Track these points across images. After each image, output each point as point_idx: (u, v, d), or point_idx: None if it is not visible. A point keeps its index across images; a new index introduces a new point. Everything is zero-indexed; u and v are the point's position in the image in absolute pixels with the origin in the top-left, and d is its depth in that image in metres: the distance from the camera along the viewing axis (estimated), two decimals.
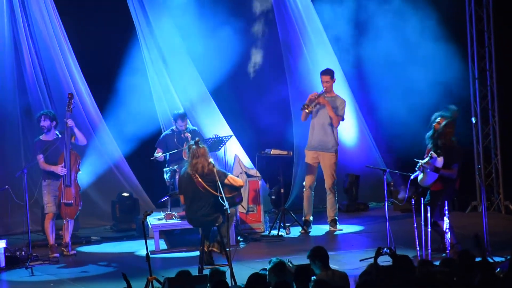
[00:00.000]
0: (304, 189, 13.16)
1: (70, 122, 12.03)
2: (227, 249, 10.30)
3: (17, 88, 13.98)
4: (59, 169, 12.03)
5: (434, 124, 10.94)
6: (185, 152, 12.68)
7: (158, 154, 12.91)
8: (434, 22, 14.63)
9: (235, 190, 10.54)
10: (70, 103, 12.11)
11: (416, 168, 10.91)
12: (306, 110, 12.81)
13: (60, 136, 12.11)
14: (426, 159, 10.84)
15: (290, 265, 8.24)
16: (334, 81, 13.02)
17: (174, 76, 14.53)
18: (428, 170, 10.82)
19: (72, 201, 12.06)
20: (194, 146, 10.45)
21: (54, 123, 12.18)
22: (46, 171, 12.11)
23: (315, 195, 13.18)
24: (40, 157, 12.06)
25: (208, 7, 14.56)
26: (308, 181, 13.09)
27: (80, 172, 12.34)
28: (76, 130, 12.13)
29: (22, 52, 13.89)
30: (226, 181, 10.38)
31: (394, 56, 14.78)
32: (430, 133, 10.99)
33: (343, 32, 14.91)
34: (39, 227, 13.42)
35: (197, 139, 10.62)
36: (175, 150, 12.78)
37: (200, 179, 10.33)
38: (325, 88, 12.91)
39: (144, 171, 14.51)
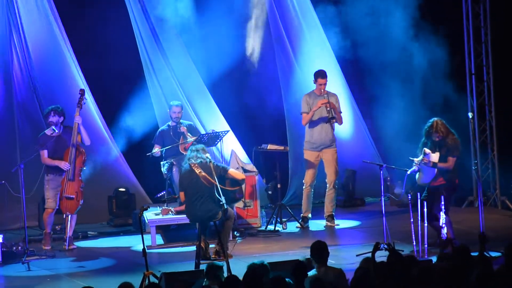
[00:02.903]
0: (304, 187, 13.14)
1: (78, 119, 12.04)
2: (224, 244, 10.37)
3: (14, 83, 13.96)
4: (63, 164, 12.03)
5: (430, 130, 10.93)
6: (182, 146, 12.73)
7: (155, 150, 12.94)
8: (430, 18, 14.63)
9: (237, 184, 10.63)
10: (81, 99, 12.12)
11: (413, 166, 10.91)
12: (334, 120, 12.78)
13: (61, 130, 12.08)
14: (421, 157, 10.86)
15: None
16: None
17: (171, 70, 14.53)
18: (425, 167, 10.83)
19: (74, 196, 12.07)
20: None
21: (62, 118, 12.17)
22: (49, 165, 12.10)
23: (314, 191, 13.17)
24: (44, 153, 12.05)
25: (207, 1, 14.55)
26: (308, 178, 13.06)
27: (84, 168, 12.35)
28: (82, 129, 12.11)
29: (19, 46, 13.88)
30: (227, 175, 10.47)
31: (391, 51, 14.79)
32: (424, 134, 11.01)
33: (339, 26, 14.90)
34: (35, 222, 13.42)
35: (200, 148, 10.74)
36: (170, 146, 12.80)
37: (204, 173, 10.40)
38: (323, 90, 12.88)
39: (141, 166, 14.51)
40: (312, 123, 12.92)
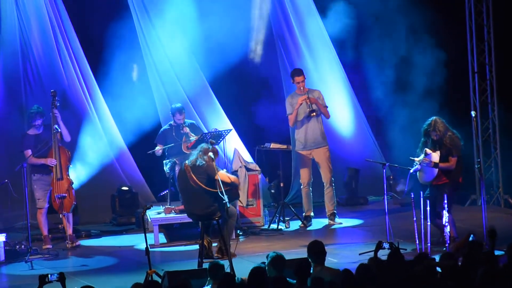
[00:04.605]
0: (301, 187, 13.14)
1: (56, 113, 12.05)
2: (226, 243, 10.37)
3: (21, 83, 13.99)
4: (49, 161, 12.05)
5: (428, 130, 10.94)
6: (185, 145, 12.74)
7: (157, 148, 12.94)
8: (434, 17, 14.63)
9: (227, 186, 10.62)
10: (54, 101, 12.14)
11: (416, 165, 10.92)
12: (314, 114, 12.76)
13: (41, 130, 12.14)
14: (422, 156, 10.86)
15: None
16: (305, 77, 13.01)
17: (174, 69, 14.54)
18: (426, 167, 10.84)
19: (66, 194, 12.09)
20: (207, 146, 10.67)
21: (44, 118, 12.23)
22: (35, 165, 12.13)
23: (313, 190, 13.17)
24: (28, 152, 12.08)
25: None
26: (304, 178, 13.05)
27: (70, 165, 12.38)
28: (61, 125, 12.13)
29: (28, 42, 13.92)
30: (215, 177, 10.41)
31: (393, 50, 14.78)
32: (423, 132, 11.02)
33: (341, 24, 14.89)
34: None
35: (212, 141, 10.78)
36: (172, 144, 12.81)
37: (192, 174, 10.41)
38: (302, 88, 12.85)
39: (144, 165, 14.52)
40: (298, 123, 12.91)
